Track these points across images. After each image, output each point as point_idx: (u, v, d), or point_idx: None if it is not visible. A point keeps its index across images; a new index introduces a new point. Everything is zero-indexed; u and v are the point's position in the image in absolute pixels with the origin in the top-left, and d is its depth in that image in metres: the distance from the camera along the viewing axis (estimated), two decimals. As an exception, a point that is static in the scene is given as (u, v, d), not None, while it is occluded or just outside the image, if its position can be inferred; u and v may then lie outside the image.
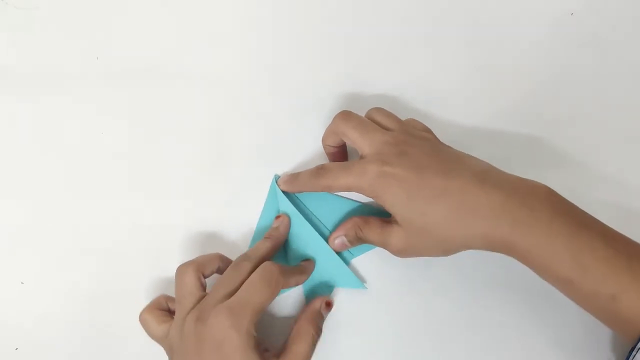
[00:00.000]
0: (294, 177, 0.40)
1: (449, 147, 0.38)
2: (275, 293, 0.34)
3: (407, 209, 0.34)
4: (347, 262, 0.41)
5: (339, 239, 0.39)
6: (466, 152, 0.37)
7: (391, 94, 0.44)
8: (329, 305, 0.39)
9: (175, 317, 0.36)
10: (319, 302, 0.39)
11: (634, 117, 0.44)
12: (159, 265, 0.41)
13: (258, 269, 0.35)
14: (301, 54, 0.45)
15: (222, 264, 0.38)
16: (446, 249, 0.35)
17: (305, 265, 0.39)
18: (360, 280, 0.40)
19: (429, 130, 0.39)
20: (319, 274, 0.40)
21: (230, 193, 0.42)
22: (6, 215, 0.42)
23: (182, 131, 0.43)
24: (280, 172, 0.42)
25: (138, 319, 0.37)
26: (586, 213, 0.34)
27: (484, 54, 0.45)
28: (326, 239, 0.40)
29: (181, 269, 0.36)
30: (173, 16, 0.45)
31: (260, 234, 0.40)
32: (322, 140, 0.40)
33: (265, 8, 0.45)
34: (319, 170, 0.37)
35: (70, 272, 0.41)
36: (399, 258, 0.37)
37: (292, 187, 0.40)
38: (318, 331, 0.37)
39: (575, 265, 0.31)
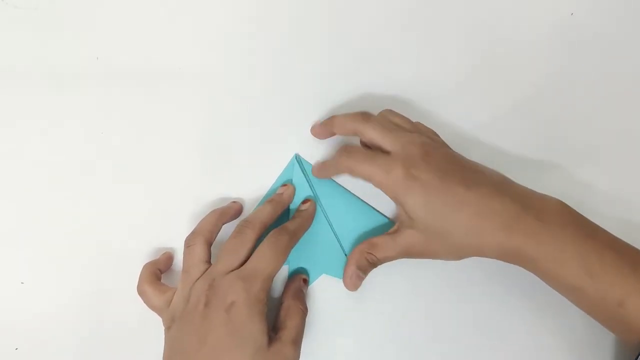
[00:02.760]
0: (323, 163, 0.41)
1: (460, 154, 0.38)
2: (284, 260, 0.36)
3: (428, 214, 0.35)
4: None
5: (353, 275, 0.38)
6: (466, 153, 0.38)
7: (391, 93, 0.44)
8: (305, 281, 0.40)
9: (180, 286, 0.37)
10: (298, 280, 0.40)
11: (634, 117, 0.44)
12: (159, 265, 0.41)
13: (268, 239, 0.36)
14: (301, 53, 0.45)
15: (224, 222, 0.40)
16: (460, 255, 0.36)
17: (306, 210, 0.40)
18: None
19: (436, 135, 0.40)
20: (315, 258, 0.40)
21: (230, 192, 0.42)
22: (6, 215, 0.42)
23: (182, 131, 0.43)
24: (280, 171, 0.42)
25: (136, 291, 0.38)
26: (594, 224, 0.35)
27: (484, 54, 0.45)
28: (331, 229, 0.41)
29: (191, 240, 0.38)
30: (173, 16, 0.45)
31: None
32: (328, 125, 0.41)
33: (265, 8, 0.45)
34: (343, 152, 0.38)
35: (70, 272, 0.41)
36: (397, 259, 0.38)
37: (322, 172, 0.41)
38: (305, 307, 0.38)
39: (584, 272, 0.33)
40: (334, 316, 0.41)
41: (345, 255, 0.41)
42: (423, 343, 0.40)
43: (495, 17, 0.45)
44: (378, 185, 0.36)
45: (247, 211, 0.42)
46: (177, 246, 0.41)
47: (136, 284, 0.38)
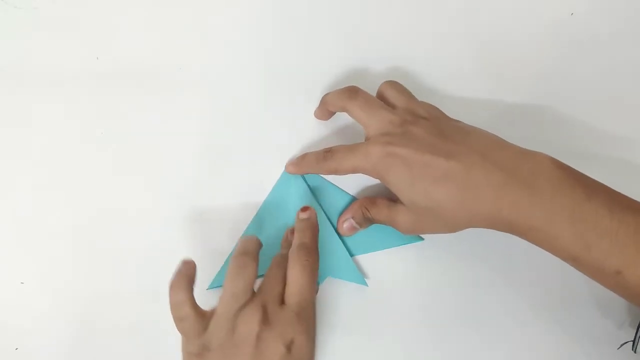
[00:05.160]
0: (300, 158, 0.40)
1: (457, 122, 0.37)
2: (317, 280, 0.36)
3: (411, 190, 0.34)
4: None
5: (347, 222, 0.39)
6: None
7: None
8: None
9: (219, 311, 0.33)
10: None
11: (633, 117, 0.44)
12: (160, 265, 0.40)
13: (304, 270, 0.34)
14: (302, 54, 0.45)
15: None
16: (452, 227, 0.35)
17: (308, 218, 0.38)
18: (362, 277, 0.40)
19: (435, 109, 0.38)
20: (320, 261, 0.40)
21: (230, 192, 0.42)
22: (6, 215, 0.42)
23: (182, 131, 0.43)
24: (279, 172, 0.42)
25: (174, 315, 0.33)
26: (588, 179, 0.33)
27: (483, 54, 0.45)
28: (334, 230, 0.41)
29: (244, 261, 0.34)
30: (173, 16, 0.45)
31: (267, 210, 0.41)
32: (323, 103, 0.40)
33: (266, 8, 0.45)
34: (326, 154, 0.38)
35: (70, 272, 0.41)
36: (398, 257, 0.38)
37: (298, 168, 0.40)
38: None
39: (579, 243, 0.31)
40: (339, 318, 0.40)
41: (351, 256, 0.41)
42: (429, 345, 0.40)
43: (494, 17, 0.45)
44: (363, 171, 0.36)
45: (248, 214, 0.42)
46: (177, 245, 0.41)
47: (138, 285, 0.37)
